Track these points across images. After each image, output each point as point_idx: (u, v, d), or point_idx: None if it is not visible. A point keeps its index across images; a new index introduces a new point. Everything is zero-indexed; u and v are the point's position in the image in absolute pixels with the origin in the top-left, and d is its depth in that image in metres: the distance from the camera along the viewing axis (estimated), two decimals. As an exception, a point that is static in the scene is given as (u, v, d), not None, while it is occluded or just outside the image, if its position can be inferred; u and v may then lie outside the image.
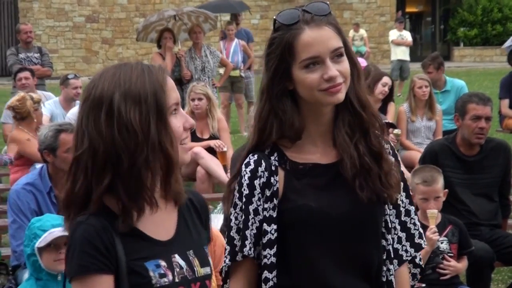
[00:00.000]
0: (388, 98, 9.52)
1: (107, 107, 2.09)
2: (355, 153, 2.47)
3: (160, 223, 2.24)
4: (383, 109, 9.33)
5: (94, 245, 2.10)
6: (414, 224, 2.65)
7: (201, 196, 2.46)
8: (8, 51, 12.72)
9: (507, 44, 13.13)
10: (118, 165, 2.08)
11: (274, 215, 2.45)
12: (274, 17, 2.48)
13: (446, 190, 5.22)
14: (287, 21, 2.44)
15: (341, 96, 2.42)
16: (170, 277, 2.16)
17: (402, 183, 2.59)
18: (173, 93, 2.18)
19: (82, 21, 30.48)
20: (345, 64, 2.43)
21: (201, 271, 2.25)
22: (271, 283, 2.45)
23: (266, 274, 2.45)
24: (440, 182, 5.12)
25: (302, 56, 2.41)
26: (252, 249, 2.47)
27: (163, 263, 2.17)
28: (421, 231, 2.68)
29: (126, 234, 2.14)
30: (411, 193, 2.71)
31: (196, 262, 2.25)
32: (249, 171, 2.47)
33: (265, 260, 2.45)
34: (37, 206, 5.26)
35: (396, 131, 8.02)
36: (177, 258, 2.21)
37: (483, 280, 5.56)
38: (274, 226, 2.45)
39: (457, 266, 5.13)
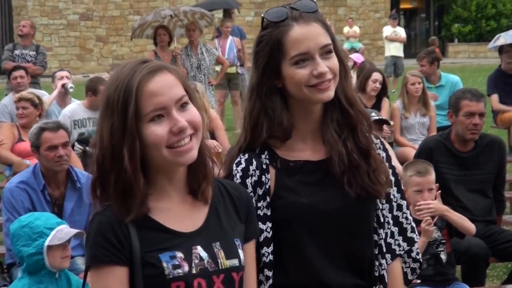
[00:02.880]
0: (382, 93, 9.52)
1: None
2: (344, 150, 2.47)
3: (186, 216, 2.25)
4: (378, 106, 9.31)
5: (106, 237, 2.13)
6: (406, 218, 2.66)
7: (243, 191, 2.42)
8: (6, 46, 12.71)
9: (491, 45, 13.10)
10: (102, 163, 2.19)
11: (268, 213, 2.45)
12: (262, 15, 2.48)
13: (437, 184, 5.22)
14: (275, 18, 2.44)
15: (331, 93, 2.42)
16: (186, 268, 2.15)
17: (393, 178, 2.60)
18: (152, 99, 2.14)
19: (76, 19, 30.44)
20: (334, 61, 2.44)
21: (226, 263, 2.23)
22: (271, 281, 2.45)
23: (266, 272, 2.45)
24: (433, 174, 5.13)
25: (291, 52, 2.40)
26: None
27: (179, 254, 2.16)
28: (414, 225, 2.69)
29: (144, 226, 2.17)
30: (403, 188, 2.71)
31: (221, 254, 2.23)
32: (241, 170, 2.47)
33: (264, 258, 2.45)
34: (31, 204, 5.25)
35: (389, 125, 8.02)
36: (198, 250, 2.20)
37: (478, 276, 5.56)
38: (269, 224, 2.44)
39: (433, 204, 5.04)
